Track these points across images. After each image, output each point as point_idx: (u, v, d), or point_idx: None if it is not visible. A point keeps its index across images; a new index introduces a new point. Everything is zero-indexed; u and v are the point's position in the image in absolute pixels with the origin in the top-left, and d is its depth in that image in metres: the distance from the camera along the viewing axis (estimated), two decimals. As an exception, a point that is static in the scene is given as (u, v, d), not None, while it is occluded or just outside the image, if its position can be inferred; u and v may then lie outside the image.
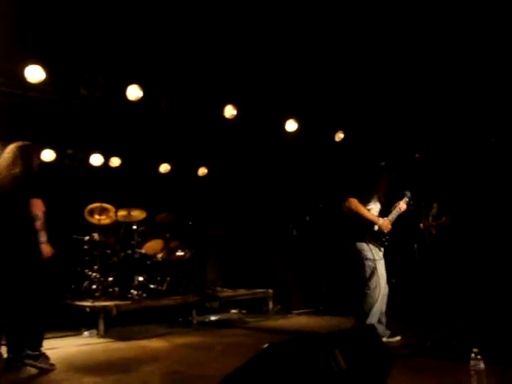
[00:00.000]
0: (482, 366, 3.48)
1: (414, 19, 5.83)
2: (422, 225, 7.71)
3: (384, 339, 4.80)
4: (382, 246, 5.11)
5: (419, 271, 5.25)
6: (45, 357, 4.42)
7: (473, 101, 7.34)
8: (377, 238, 5.09)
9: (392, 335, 4.98)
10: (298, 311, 7.83)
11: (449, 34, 6.04)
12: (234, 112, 7.49)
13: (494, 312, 4.96)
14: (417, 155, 8.13)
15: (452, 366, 4.01)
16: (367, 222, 5.09)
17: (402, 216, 5.21)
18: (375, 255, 5.03)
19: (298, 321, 7.28)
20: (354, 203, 5.08)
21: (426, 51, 6.42)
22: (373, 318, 4.91)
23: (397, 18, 5.82)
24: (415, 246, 5.09)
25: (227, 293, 8.15)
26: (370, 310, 4.93)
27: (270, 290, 8.05)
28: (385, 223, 5.09)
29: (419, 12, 5.69)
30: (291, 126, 8.04)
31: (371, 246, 5.05)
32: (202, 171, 10.02)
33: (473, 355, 3.52)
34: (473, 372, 3.47)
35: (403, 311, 5.37)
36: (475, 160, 8.12)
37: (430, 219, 7.88)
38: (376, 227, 5.09)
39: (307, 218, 9.04)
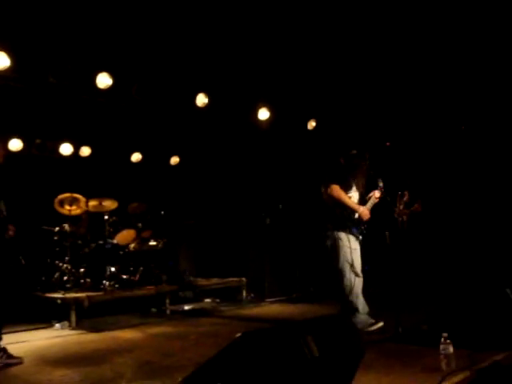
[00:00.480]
0: (451, 349, 3.57)
1: (385, 9, 5.86)
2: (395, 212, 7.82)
3: (369, 328, 4.85)
4: (360, 235, 5.12)
5: (390, 258, 5.31)
6: (5, 351, 4.31)
7: (443, 88, 7.43)
8: (356, 226, 5.09)
9: (374, 323, 4.95)
10: (271, 299, 7.88)
11: (418, 21, 6.08)
12: (206, 100, 7.43)
13: (463, 297, 5.06)
14: (387, 143, 8.20)
15: (422, 351, 4.08)
16: (348, 210, 5.07)
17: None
18: (352, 243, 5.03)
19: (271, 309, 7.33)
20: (337, 190, 5.02)
21: (395, 38, 6.45)
22: (358, 301, 4.91)
23: (368, 7, 5.83)
24: (387, 233, 5.15)
25: (201, 282, 8.15)
26: (353, 294, 4.91)
27: (244, 279, 8.08)
28: (365, 211, 5.09)
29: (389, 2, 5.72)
30: (264, 114, 8.02)
31: (349, 234, 5.06)
32: (174, 160, 9.94)
33: (442, 340, 3.61)
34: (442, 356, 3.56)
35: (375, 298, 5.45)
36: (446, 147, 8.23)
37: (401, 206, 7.98)
38: (356, 215, 5.08)
39: (280, 207, 9.06)
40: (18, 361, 4.33)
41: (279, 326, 2.75)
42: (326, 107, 8.27)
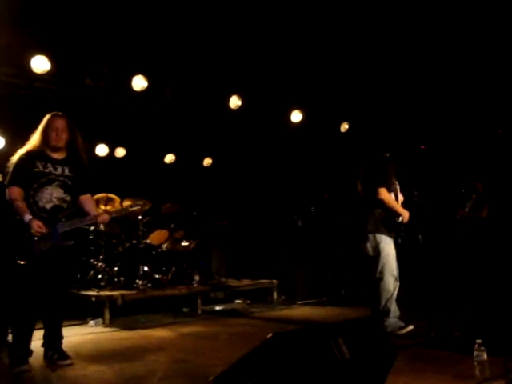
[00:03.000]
0: (485, 356, 3.50)
1: (422, 10, 5.79)
2: (458, 214, 7.70)
3: (399, 332, 4.80)
4: (399, 237, 5.07)
5: (423, 262, 5.23)
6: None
7: (479, 91, 7.30)
8: (398, 229, 5.04)
9: (404, 326, 4.89)
10: (302, 302, 7.85)
11: (454, 24, 6.00)
12: (239, 102, 7.49)
13: (497, 303, 4.96)
14: (422, 146, 8.11)
15: (455, 357, 4.02)
16: (393, 213, 5.00)
17: (406, 207, 5.19)
18: (392, 247, 4.98)
19: (302, 311, 7.31)
20: (385, 193, 4.94)
21: (433, 41, 6.38)
22: (391, 305, 4.85)
23: (403, 8, 5.78)
24: (419, 236, 5.07)
25: (232, 283, 8.17)
26: (389, 298, 4.84)
27: (275, 281, 8.07)
28: (408, 215, 5.03)
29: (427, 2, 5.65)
30: (296, 116, 8.03)
31: (390, 237, 4.99)
32: (207, 161, 10.02)
33: (476, 346, 3.54)
34: (476, 363, 3.49)
35: (407, 302, 5.38)
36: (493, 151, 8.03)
37: (467, 209, 7.80)
38: (400, 219, 5.01)
39: (312, 209, 9.03)
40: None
41: (310, 328, 2.75)
42: (359, 109, 8.21)
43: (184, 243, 7.98)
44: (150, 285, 7.18)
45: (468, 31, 6.12)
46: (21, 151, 4.25)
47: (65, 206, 4.29)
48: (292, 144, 8.91)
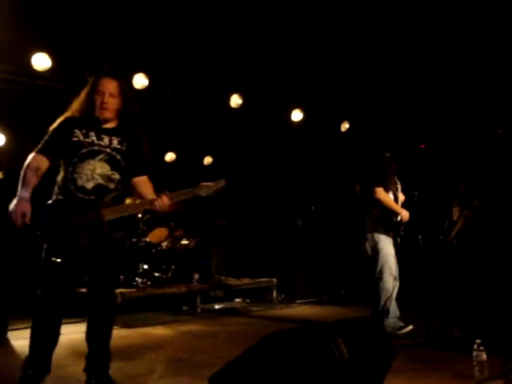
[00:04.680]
0: (484, 356, 3.50)
1: (421, 10, 5.78)
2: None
3: (398, 332, 4.79)
4: (398, 237, 5.06)
5: (423, 262, 5.23)
6: None
7: (480, 90, 7.29)
8: (397, 228, 5.04)
9: (403, 327, 4.89)
10: (301, 301, 7.86)
11: (453, 24, 5.99)
12: (240, 101, 7.48)
13: (497, 303, 4.96)
14: (422, 146, 8.10)
15: (454, 357, 4.03)
16: (390, 213, 5.00)
17: (406, 207, 5.19)
18: (390, 246, 4.97)
19: (301, 310, 7.32)
20: (382, 192, 4.95)
21: (433, 41, 6.38)
22: (390, 305, 4.84)
23: (403, 9, 5.77)
24: (419, 236, 5.07)
25: (232, 282, 8.18)
26: (388, 298, 4.84)
27: (274, 280, 8.07)
28: (407, 214, 5.04)
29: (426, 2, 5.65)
30: (297, 115, 8.03)
31: (388, 236, 4.99)
32: (207, 160, 10.01)
33: (475, 346, 3.54)
34: (475, 363, 3.49)
35: (407, 301, 5.38)
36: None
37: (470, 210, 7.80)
38: (399, 218, 5.01)
39: (312, 208, 9.03)
40: None
41: (309, 327, 2.75)
42: (360, 109, 8.21)
43: (184, 242, 7.98)
44: (149, 283, 7.18)
45: (466, 31, 6.12)
46: (59, 119, 3.45)
47: (112, 185, 3.35)
48: (292, 143, 8.90)
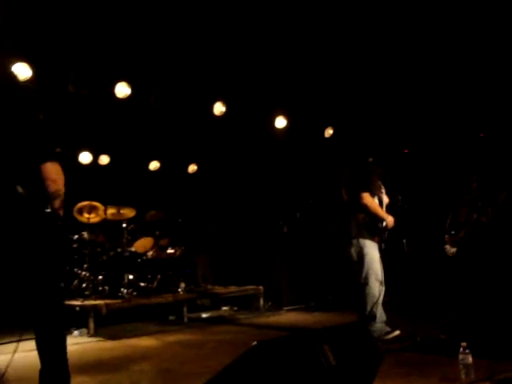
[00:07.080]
0: (470, 359, 3.51)
1: (403, 17, 5.84)
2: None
3: (385, 337, 4.79)
4: (383, 242, 5.07)
5: (408, 266, 5.25)
6: None
7: (463, 94, 7.37)
8: (382, 234, 5.03)
9: (390, 331, 4.87)
10: (288, 307, 7.84)
11: (436, 31, 6.05)
12: (223, 109, 7.48)
13: (482, 306, 4.99)
14: (406, 150, 8.15)
15: (441, 360, 4.03)
16: (377, 218, 4.99)
17: (390, 211, 5.20)
18: (376, 252, 4.97)
19: (288, 317, 7.30)
20: (368, 198, 4.95)
21: (414, 47, 6.44)
22: (377, 310, 4.82)
23: (385, 16, 5.82)
24: (404, 241, 5.09)
25: (218, 290, 8.14)
26: (375, 303, 4.82)
27: (261, 287, 8.05)
28: (392, 220, 5.04)
29: (407, 9, 5.70)
30: (281, 122, 8.04)
31: (374, 242, 4.99)
32: (192, 168, 10.00)
33: (461, 349, 3.55)
34: (461, 366, 3.50)
35: (393, 306, 5.40)
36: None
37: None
38: (384, 223, 5.00)
39: (298, 215, 9.04)
40: None
41: (295, 335, 2.73)
42: (343, 115, 8.25)
43: (169, 250, 7.94)
44: (135, 293, 7.12)
45: (447, 38, 6.18)
46: None
47: None
48: (277, 150, 8.92)
